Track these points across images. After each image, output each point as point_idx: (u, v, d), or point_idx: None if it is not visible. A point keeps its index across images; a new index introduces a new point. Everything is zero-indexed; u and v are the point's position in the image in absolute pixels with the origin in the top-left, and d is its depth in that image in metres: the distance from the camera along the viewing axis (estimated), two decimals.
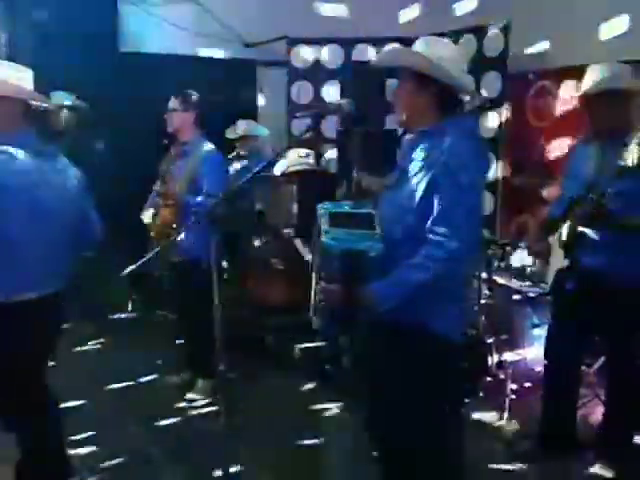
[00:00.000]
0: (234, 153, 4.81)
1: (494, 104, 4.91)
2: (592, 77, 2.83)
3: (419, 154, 2.06)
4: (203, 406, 3.67)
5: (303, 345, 4.26)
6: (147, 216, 3.75)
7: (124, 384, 3.97)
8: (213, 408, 3.56)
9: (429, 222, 1.96)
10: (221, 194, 2.40)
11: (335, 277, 1.97)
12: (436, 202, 1.95)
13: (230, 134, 4.97)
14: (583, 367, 3.33)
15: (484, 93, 4.94)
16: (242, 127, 4.96)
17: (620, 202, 2.63)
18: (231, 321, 4.50)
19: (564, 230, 2.87)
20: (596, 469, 2.97)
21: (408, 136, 2.27)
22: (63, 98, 4.51)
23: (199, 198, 3.43)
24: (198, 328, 3.66)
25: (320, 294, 2.01)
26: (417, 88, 2.06)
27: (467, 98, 2.14)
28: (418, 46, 2.10)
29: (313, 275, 2.21)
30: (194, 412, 3.63)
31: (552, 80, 4.74)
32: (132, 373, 4.10)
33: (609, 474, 2.93)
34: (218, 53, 5.57)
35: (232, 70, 5.66)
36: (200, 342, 3.69)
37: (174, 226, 3.36)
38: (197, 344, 3.77)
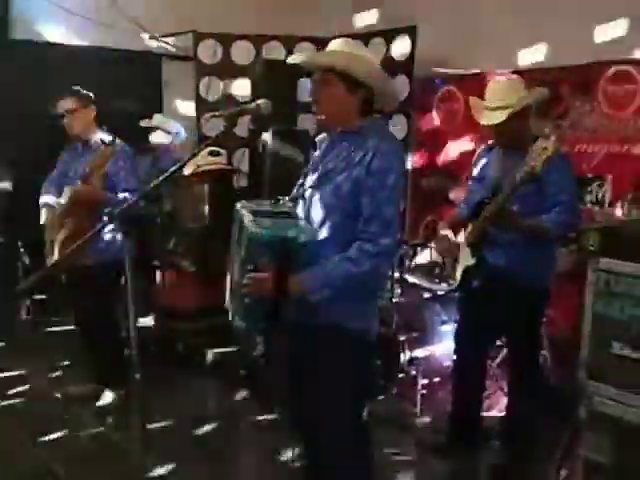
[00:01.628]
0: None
1: (402, 107, 5.03)
2: (489, 101, 2.93)
3: (340, 154, 2.08)
4: (111, 417, 3.50)
5: (216, 350, 4.17)
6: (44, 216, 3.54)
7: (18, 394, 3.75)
8: (121, 419, 3.39)
9: (360, 223, 2.00)
10: (139, 193, 2.31)
11: (264, 267, 1.93)
12: (365, 202, 1.99)
13: (144, 124, 4.77)
14: (487, 360, 3.49)
15: None
16: (157, 119, 4.77)
17: (523, 204, 2.79)
18: (141, 327, 4.36)
19: (471, 230, 2.99)
20: (498, 457, 3.13)
21: (321, 136, 2.29)
22: None
23: (121, 195, 3.31)
24: (107, 335, 3.48)
25: (246, 289, 1.95)
26: (347, 91, 2.07)
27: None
28: (338, 47, 2.10)
29: (232, 276, 2.15)
30: (101, 425, 3.44)
31: (457, 85, 4.93)
32: (29, 384, 3.87)
33: (513, 462, 3.09)
34: (120, 44, 5.30)
35: (135, 63, 5.41)
36: (109, 350, 3.52)
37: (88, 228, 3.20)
38: (106, 352, 3.59)
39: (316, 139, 2.30)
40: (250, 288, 1.94)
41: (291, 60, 2.16)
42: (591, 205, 4.10)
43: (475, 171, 3.23)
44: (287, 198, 2.21)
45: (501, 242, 2.90)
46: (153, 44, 5.49)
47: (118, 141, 3.52)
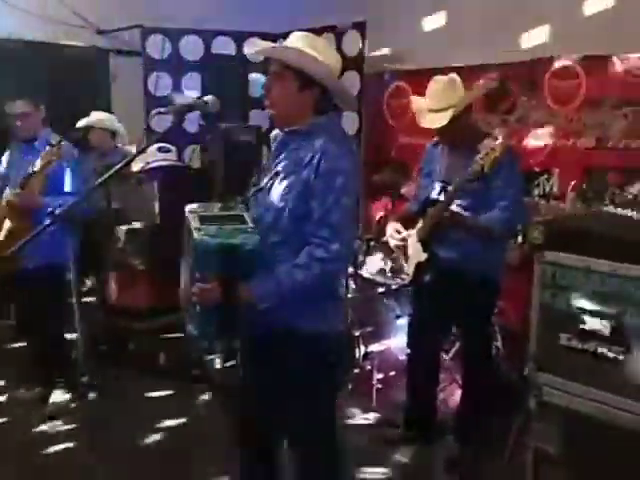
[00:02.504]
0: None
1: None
2: (431, 103, 2.97)
3: (290, 155, 2.04)
4: (61, 422, 3.36)
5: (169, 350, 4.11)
6: None
7: None
8: (72, 424, 3.28)
9: (311, 226, 1.96)
10: (81, 193, 2.25)
11: (211, 275, 1.90)
12: (314, 206, 1.95)
13: (80, 124, 4.62)
14: (441, 353, 3.53)
15: None
16: (94, 117, 4.61)
17: (471, 200, 2.83)
18: (91, 327, 4.26)
19: (422, 226, 3.02)
20: (452, 450, 3.16)
21: (275, 133, 2.25)
22: None
23: (60, 200, 3.20)
24: (53, 337, 3.39)
25: (195, 297, 1.92)
26: (301, 89, 2.02)
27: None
28: (298, 42, 2.05)
29: (185, 281, 2.11)
30: (51, 429, 3.32)
31: (406, 80, 4.96)
32: None
33: (466, 454, 3.13)
34: (66, 39, 5.15)
35: (83, 58, 5.27)
36: (54, 352, 3.43)
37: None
38: (50, 354, 3.50)
39: (270, 135, 2.26)
40: (198, 297, 1.92)
41: (247, 50, 2.13)
42: (538, 198, 4.20)
43: (423, 167, 3.26)
44: (239, 200, 2.18)
45: (452, 237, 2.94)
46: (100, 39, 5.36)
47: (64, 143, 3.46)
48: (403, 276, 3.32)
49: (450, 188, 2.85)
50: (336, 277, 2.13)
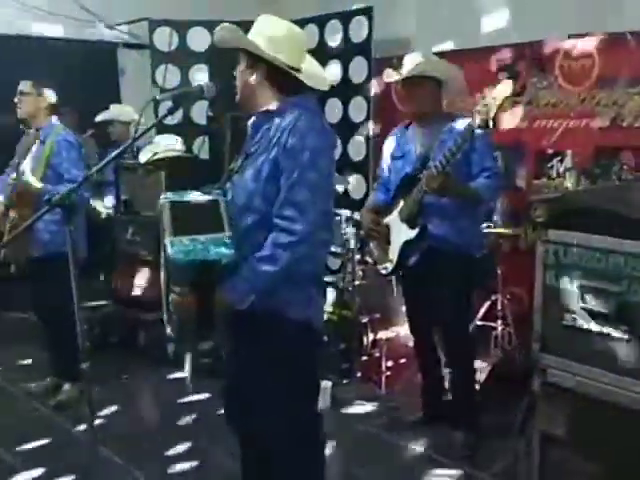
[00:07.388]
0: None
1: (361, 89, 4.99)
2: (405, 67, 3.01)
3: (261, 135, 2.01)
4: (72, 411, 3.44)
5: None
6: None
7: None
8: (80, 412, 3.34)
9: (276, 206, 1.90)
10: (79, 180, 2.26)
11: (187, 288, 1.90)
12: (281, 184, 1.90)
13: (99, 118, 4.69)
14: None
15: (352, 78, 5.02)
16: (113, 111, 4.69)
17: (454, 173, 2.81)
18: (101, 319, 4.29)
19: (405, 205, 2.98)
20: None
21: (252, 119, 2.21)
22: None
23: (60, 187, 3.22)
24: (59, 328, 3.41)
25: (172, 306, 1.93)
26: (249, 68, 2.00)
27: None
28: (256, 24, 2.04)
29: (163, 282, 2.11)
30: (61, 418, 3.41)
31: None
32: None
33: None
34: (74, 34, 5.19)
35: (91, 53, 5.31)
36: (63, 343, 3.46)
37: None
38: (60, 345, 3.53)
39: (248, 123, 2.23)
40: (174, 309, 1.92)
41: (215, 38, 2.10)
42: (548, 180, 4.14)
43: (392, 151, 3.21)
44: (215, 186, 2.18)
45: (438, 213, 2.92)
46: (108, 33, 5.39)
47: (63, 131, 3.49)
48: (382, 265, 3.22)
49: (432, 162, 2.83)
50: (316, 257, 2.00)
